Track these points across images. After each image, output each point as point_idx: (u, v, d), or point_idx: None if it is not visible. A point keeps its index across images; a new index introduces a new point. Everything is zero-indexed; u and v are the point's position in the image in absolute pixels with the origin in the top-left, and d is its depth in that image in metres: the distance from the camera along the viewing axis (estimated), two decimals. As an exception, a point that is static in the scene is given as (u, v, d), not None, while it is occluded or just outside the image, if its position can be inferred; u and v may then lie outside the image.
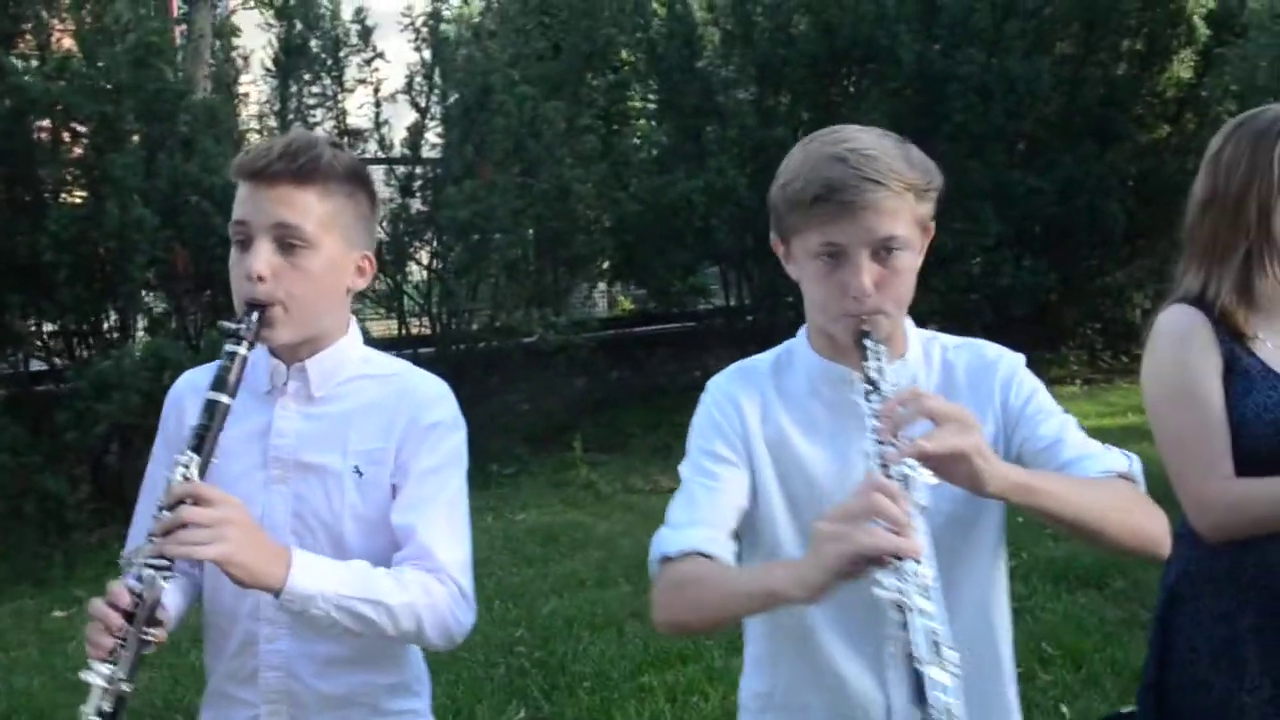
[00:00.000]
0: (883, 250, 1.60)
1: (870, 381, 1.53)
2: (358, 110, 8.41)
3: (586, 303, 10.49)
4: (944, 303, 8.82)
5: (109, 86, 5.99)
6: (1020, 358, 1.77)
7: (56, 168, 6.19)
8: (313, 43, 7.78)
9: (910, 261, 1.64)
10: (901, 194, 1.59)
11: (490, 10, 8.01)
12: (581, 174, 7.10)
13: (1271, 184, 1.97)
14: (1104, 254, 10.13)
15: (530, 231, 7.63)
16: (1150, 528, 1.58)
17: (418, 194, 8.13)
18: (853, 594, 1.64)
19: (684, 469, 1.72)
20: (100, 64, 6.00)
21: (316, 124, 8.08)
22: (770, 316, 8.68)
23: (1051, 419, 1.69)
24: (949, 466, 1.43)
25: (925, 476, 1.41)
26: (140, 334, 7.01)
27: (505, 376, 8.12)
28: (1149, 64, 10.73)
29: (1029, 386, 1.73)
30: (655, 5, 9.05)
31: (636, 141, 9.60)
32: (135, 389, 5.57)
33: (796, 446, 1.71)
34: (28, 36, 6.70)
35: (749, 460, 1.71)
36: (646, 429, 9.04)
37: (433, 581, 1.71)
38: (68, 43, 6.88)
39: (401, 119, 8.58)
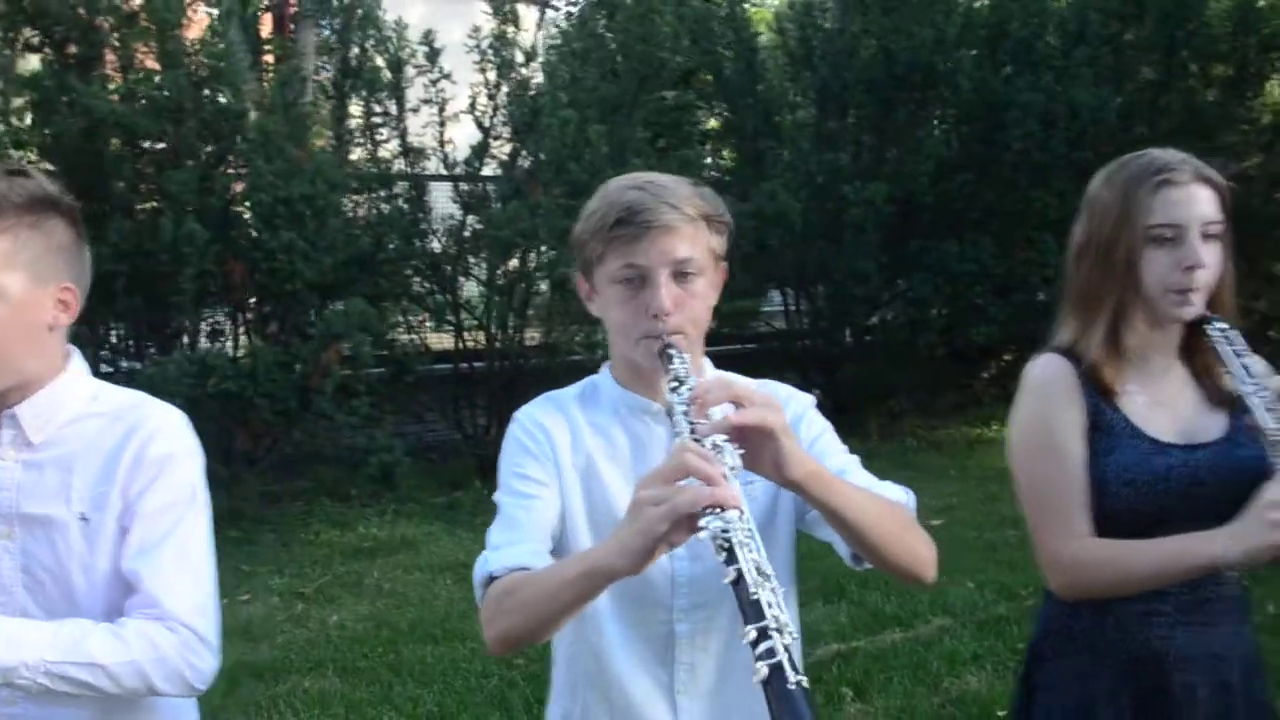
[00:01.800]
0: (680, 273, 1.66)
1: (677, 379, 1.58)
2: (422, 129, 8.69)
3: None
4: (1003, 332, 8.68)
5: (172, 108, 6.31)
6: (811, 399, 1.83)
7: (124, 183, 6.55)
8: (379, 61, 8.03)
9: (705, 288, 1.70)
10: (695, 220, 1.67)
11: (547, 32, 8.16)
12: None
13: (1138, 233, 1.92)
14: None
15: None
16: (922, 551, 1.66)
17: (476, 212, 8.35)
18: (646, 626, 1.70)
19: (498, 495, 1.75)
20: (165, 89, 6.33)
21: (381, 142, 8.37)
22: (827, 341, 8.64)
23: (838, 456, 1.74)
24: (756, 445, 1.47)
25: (736, 458, 1.43)
26: (204, 343, 7.37)
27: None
28: (1239, 90, 10.38)
29: (819, 425, 1.79)
30: (717, 26, 9.09)
31: (708, 161, 9.70)
32: (179, 394, 5.85)
33: (602, 475, 1.76)
34: (111, 58, 7.12)
35: (560, 484, 1.75)
36: (697, 451, 9.07)
37: (159, 632, 1.65)
38: (151, 63, 7.30)
39: (471, 138, 8.81)
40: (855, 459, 1.76)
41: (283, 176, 6.42)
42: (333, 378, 6.40)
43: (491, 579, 1.62)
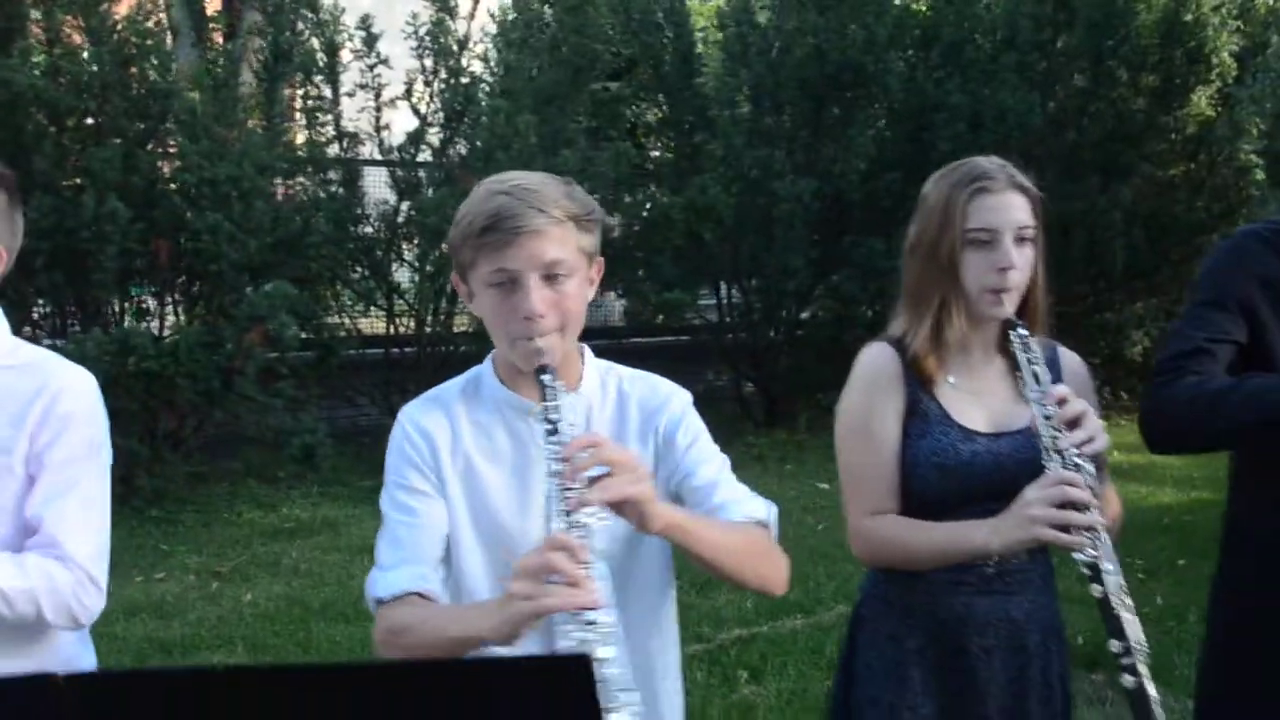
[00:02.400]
0: (550, 275, 1.70)
1: (550, 422, 1.64)
2: (358, 114, 8.70)
3: (598, 311, 10.69)
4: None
5: (97, 85, 6.28)
6: (688, 396, 1.89)
7: (46, 159, 6.51)
8: (315, 44, 8.02)
9: (577, 287, 1.75)
10: (563, 222, 1.70)
11: (486, 21, 8.18)
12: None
13: (957, 236, 2.03)
14: (1103, 290, 10.05)
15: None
16: (772, 575, 1.78)
17: (411, 198, 8.38)
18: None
19: (383, 503, 1.81)
20: (91, 65, 6.30)
21: (317, 125, 8.37)
22: (758, 334, 8.78)
23: (710, 464, 1.81)
24: (620, 508, 1.57)
25: (600, 517, 1.54)
26: (130, 321, 7.34)
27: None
28: (1165, 100, 10.65)
29: (695, 428, 1.84)
30: (660, 19, 9.18)
31: (654, 154, 9.80)
32: (98, 373, 5.82)
33: (483, 475, 1.80)
34: (36, 30, 7.05)
35: (442, 489, 1.79)
36: (627, 440, 9.19)
37: (57, 568, 1.79)
38: (80, 39, 7.24)
39: (410, 124, 8.83)
40: (724, 466, 1.84)
41: (209, 157, 6.42)
42: (255, 359, 6.40)
43: (380, 601, 1.72)
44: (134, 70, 6.52)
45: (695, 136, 8.88)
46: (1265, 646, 2.09)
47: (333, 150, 8.32)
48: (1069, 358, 2.20)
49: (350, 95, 8.42)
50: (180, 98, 6.61)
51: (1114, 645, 1.77)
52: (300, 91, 8.23)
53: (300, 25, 7.90)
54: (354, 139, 8.39)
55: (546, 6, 8.84)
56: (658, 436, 1.82)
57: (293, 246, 6.83)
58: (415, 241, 8.30)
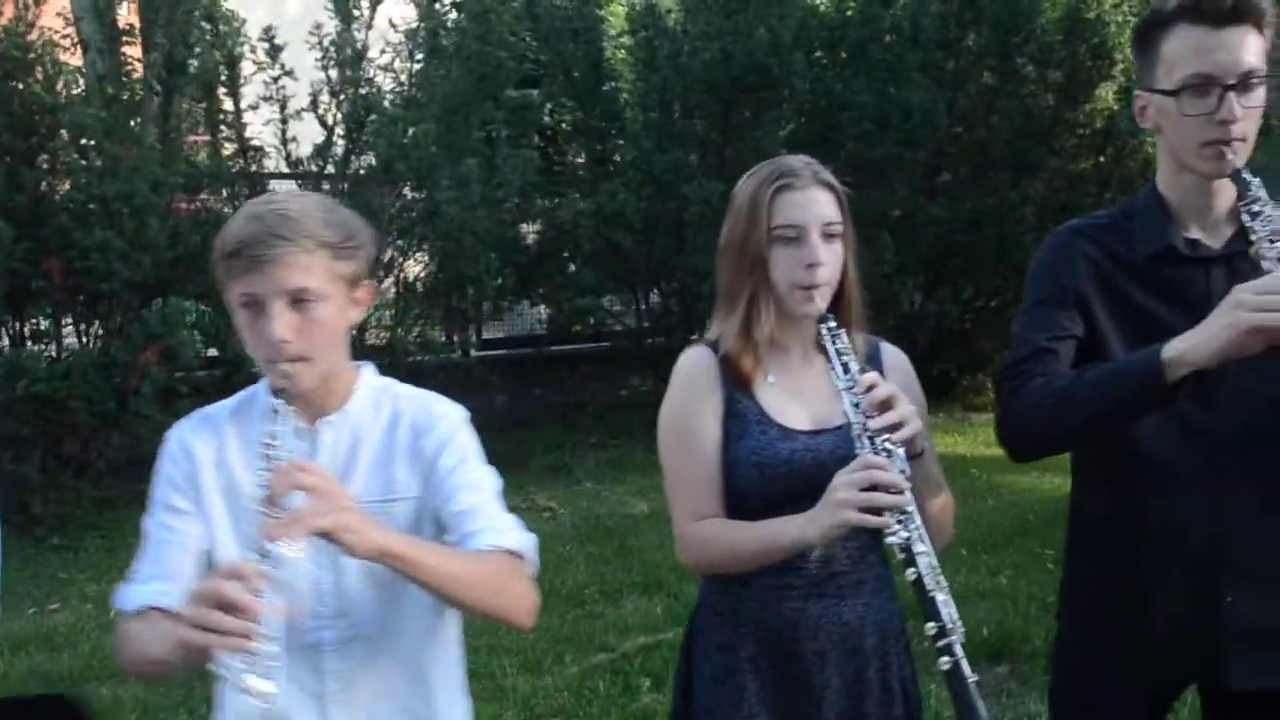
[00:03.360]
0: (298, 300, 1.71)
1: (265, 448, 1.65)
2: (263, 126, 8.56)
3: (518, 321, 10.63)
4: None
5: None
6: (461, 417, 1.89)
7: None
8: (217, 55, 7.87)
9: (328, 312, 1.74)
10: (313, 251, 1.71)
11: (388, 30, 8.09)
12: (456, 195, 7.20)
13: (764, 232, 2.03)
14: (1016, 285, 10.15)
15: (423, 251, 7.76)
16: (511, 606, 1.76)
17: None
18: (294, 633, 1.76)
19: (146, 521, 1.84)
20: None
21: (222, 139, 8.22)
22: (673, 338, 8.77)
23: (473, 489, 1.81)
24: (325, 535, 1.58)
25: (295, 547, 1.56)
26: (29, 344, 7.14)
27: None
28: (1071, 96, 10.84)
29: (462, 451, 1.85)
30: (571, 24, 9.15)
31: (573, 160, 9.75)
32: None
33: (245, 488, 1.81)
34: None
35: (200, 506, 1.83)
36: (549, 448, 9.13)
37: None
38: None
39: (317, 135, 8.70)
40: (490, 493, 1.84)
41: (97, 174, 6.26)
42: (152, 379, 6.26)
43: (123, 613, 1.78)
44: (17, 84, 6.33)
45: (607, 142, 8.85)
46: (1108, 626, 2.10)
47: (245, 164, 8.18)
48: (892, 353, 2.20)
49: (254, 108, 8.29)
50: (71, 112, 6.44)
51: (929, 627, 1.76)
52: (202, 105, 8.09)
53: (196, 37, 7.75)
54: (259, 152, 8.26)
55: (454, 11, 8.79)
56: (423, 458, 1.83)
57: (193, 263, 6.68)
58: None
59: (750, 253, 2.05)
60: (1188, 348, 1.81)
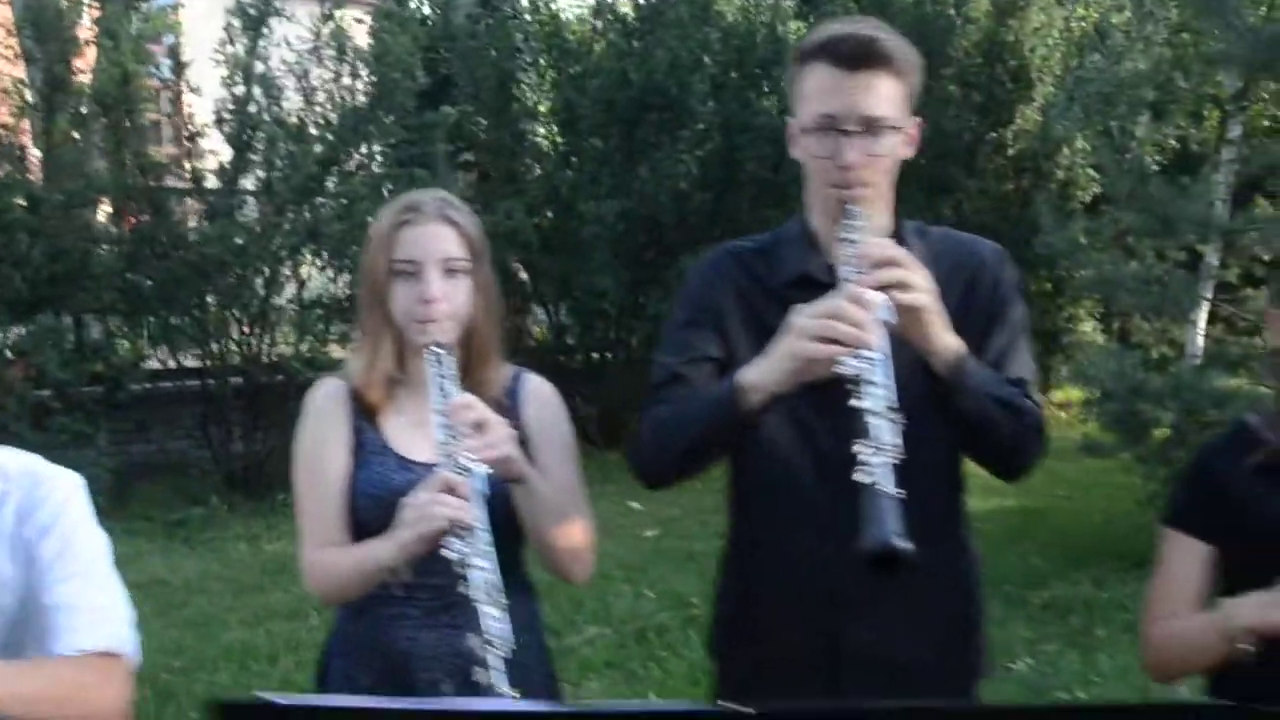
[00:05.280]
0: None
1: None
2: (168, 142, 8.61)
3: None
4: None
5: None
6: (72, 487, 1.81)
7: None
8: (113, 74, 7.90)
9: None
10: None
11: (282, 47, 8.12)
12: (338, 210, 7.25)
13: (385, 265, 2.05)
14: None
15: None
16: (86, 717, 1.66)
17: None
18: None
19: None
20: None
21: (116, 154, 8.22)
22: (570, 355, 8.82)
23: (68, 581, 1.72)
24: None
25: None
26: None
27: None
28: (994, 117, 10.91)
29: (65, 534, 1.76)
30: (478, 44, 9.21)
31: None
32: None
33: None
34: None
35: None
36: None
37: None
38: None
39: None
40: (90, 578, 1.74)
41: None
42: (19, 396, 6.26)
43: None
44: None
45: (513, 161, 8.91)
46: (739, 651, 2.11)
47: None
48: (535, 384, 2.22)
49: (156, 125, 8.34)
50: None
51: (471, 639, 1.79)
52: (103, 121, 8.11)
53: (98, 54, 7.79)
54: (162, 168, 8.27)
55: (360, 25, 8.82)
56: (27, 547, 1.73)
57: (73, 279, 6.70)
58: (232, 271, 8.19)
59: (375, 286, 2.08)
60: (757, 374, 1.82)
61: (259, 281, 7.86)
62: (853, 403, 1.67)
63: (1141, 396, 5.32)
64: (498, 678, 1.76)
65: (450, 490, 1.84)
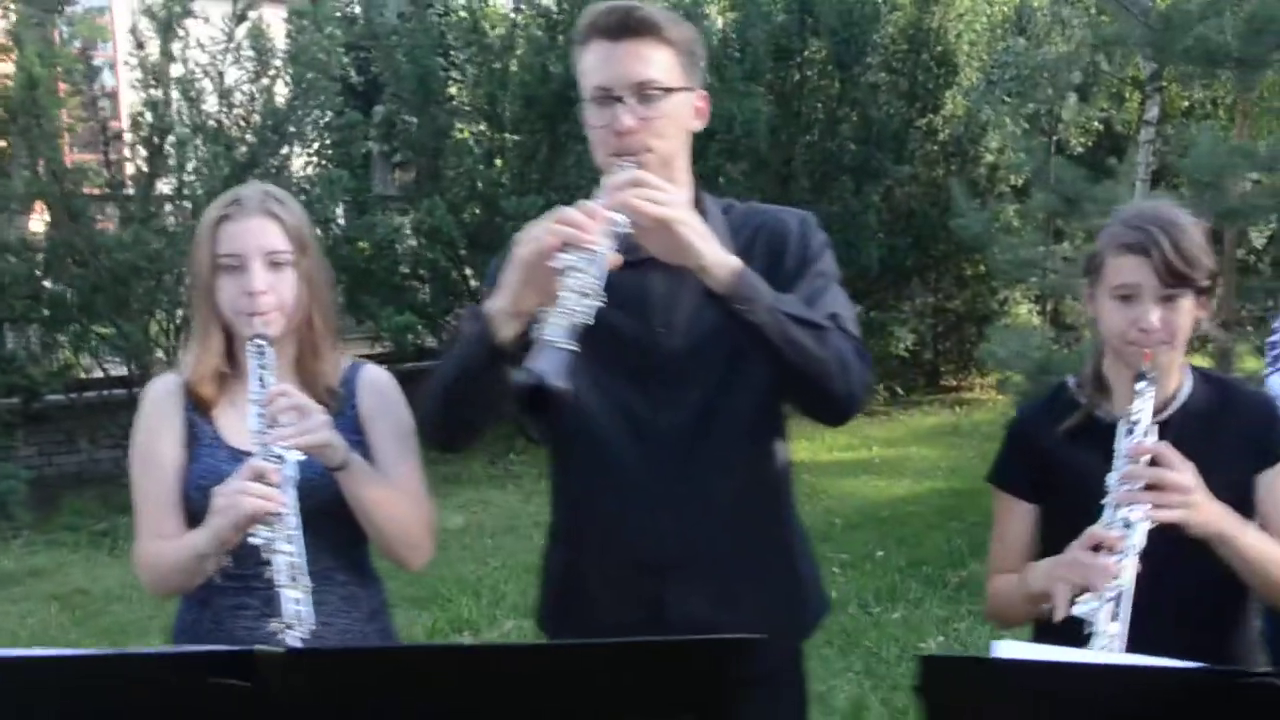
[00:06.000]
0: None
1: None
2: (83, 147, 8.49)
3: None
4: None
5: None
6: None
7: None
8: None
9: None
10: None
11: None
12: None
13: (209, 261, 2.07)
14: (863, 291, 10.28)
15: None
16: None
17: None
18: None
19: None
20: None
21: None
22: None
23: None
24: None
25: None
26: None
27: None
28: (918, 103, 11.01)
29: None
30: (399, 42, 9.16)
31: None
32: None
33: None
34: None
35: None
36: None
37: None
38: None
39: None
40: None
41: None
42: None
43: None
44: None
45: (438, 159, 8.87)
46: (567, 622, 2.14)
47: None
48: (372, 374, 2.22)
49: (71, 130, 8.21)
50: None
51: (272, 623, 1.83)
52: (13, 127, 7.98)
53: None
54: (80, 174, 8.15)
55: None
56: None
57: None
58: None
59: (201, 281, 2.09)
60: (499, 299, 1.80)
61: (180, 289, 7.78)
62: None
63: (1047, 373, 5.40)
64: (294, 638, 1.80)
65: (261, 477, 1.87)
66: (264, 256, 2.06)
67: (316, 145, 8.51)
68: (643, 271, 2.01)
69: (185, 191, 6.83)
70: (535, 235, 1.75)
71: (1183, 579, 1.84)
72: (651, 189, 1.76)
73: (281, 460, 1.89)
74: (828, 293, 1.95)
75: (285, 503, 1.87)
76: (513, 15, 8.93)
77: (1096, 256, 1.97)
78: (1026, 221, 9.69)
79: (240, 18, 7.72)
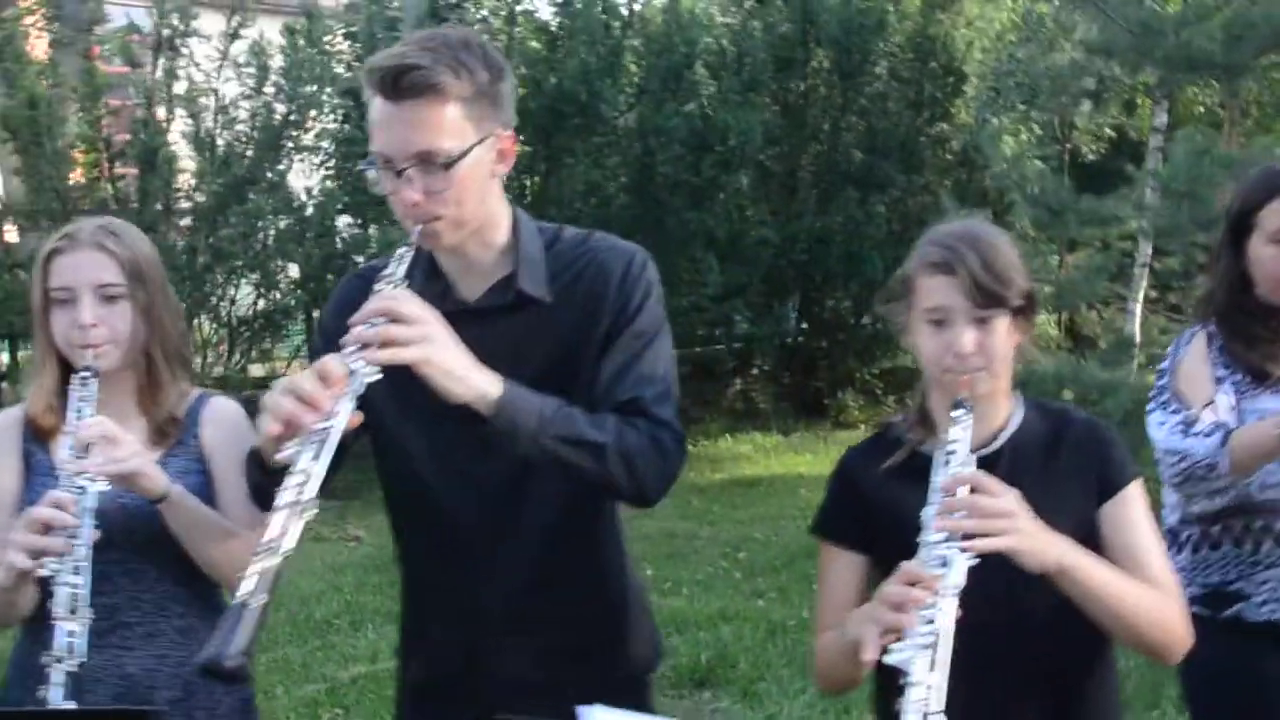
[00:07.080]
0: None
1: None
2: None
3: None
4: (684, 356, 8.95)
5: None
6: None
7: None
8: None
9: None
10: None
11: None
12: (242, 232, 7.29)
13: (41, 295, 2.09)
14: (864, 302, 10.18)
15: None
16: None
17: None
18: None
19: None
20: None
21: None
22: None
23: None
24: None
25: None
26: None
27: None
28: (925, 113, 10.89)
29: None
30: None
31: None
32: None
33: None
34: None
35: None
36: (367, 479, 9.15)
37: None
38: None
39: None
40: None
41: None
42: None
43: None
44: None
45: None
46: (404, 666, 2.11)
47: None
48: (219, 406, 2.21)
49: (73, 147, 8.35)
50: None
51: (43, 656, 1.84)
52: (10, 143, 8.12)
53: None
54: (80, 191, 8.29)
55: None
56: None
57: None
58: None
59: (37, 315, 2.11)
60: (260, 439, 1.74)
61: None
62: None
63: (1060, 385, 5.33)
64: (55, 692, 1.79)
65: (58, 508, 1.86)
66: (95, 290, 2.05)
67: (320, 158, 8.59)
68: (463, 324, 1.90)
69: (177, 208, 6.90)
70: (269, 404, 1.61)
71: (1023, 625, 1.74)
72: (400, 325, 1.61)
73: (83, 491, 1.89)
74: (642, 360, 1.84)
75: (81, 532, 1.87)
76: (507, 29, 8.94)
77: (907, 280, 1.86)
78: (1016, 234, 9.56)
79: (233, 36, 7.81)
